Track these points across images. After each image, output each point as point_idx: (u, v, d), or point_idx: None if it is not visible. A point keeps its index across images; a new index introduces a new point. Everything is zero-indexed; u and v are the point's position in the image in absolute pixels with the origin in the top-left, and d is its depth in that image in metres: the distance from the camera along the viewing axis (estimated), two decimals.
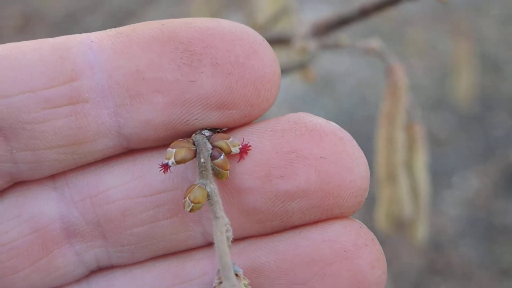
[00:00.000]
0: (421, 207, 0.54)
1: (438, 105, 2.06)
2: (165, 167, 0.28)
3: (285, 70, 0.48)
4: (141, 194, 0.29)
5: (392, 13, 2.14)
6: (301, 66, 0.49)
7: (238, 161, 0.29)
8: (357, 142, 0.29)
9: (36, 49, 0.27)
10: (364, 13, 0.47)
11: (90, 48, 0.28)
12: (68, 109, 0.28)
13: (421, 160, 0.53)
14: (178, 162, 0.28)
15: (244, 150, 0.28)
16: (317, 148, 0.28)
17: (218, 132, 0.29)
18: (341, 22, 0.49)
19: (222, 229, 0.26)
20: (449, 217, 1.77)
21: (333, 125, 0.29)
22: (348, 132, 0.29)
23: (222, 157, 0.28)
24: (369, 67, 2.04)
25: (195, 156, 0.28)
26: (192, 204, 0.27)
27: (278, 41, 0.49)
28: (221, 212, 0.27)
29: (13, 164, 0.28)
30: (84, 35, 0.28)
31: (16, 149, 0.28)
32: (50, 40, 0.28)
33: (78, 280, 0.31)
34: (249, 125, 0.29)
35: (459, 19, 1.79)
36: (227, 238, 0.26)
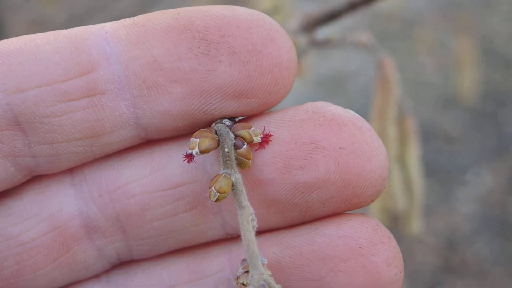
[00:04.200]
0: (415, 201, 0.54)
1: (450, 102, 2.05)
2: (189, 157, 0.28)
3: None
4: (160, 188, 0.29)
5: (400, 13, 2.13)
6: None
7: (256, 150, 0.29)
8: None
9: (51, 41, 0.27)
10: (352, 6, 0.47)
11: (105, 39, 0.27)
12: (85, 102, 0.27)
13: (413, 153, 0.53)
14: (202, 152, 0.28)
15: (266, 139, 0.28)
16: (336, 139, 0.28)
17: (237, 121, 0.29)
18: (330, 16, 0.49)
19: (248, 218, 0.26)
20: (463, 214, 1.75)
21: (351, 114, 0.29)
22: None
23: (245, 146, 0.28)
24: None
25: (218, 146, 0.28)
26: (218, 193, 0.27)
27: None
28: (246, 202, 0.27)
29: (32, 158, 0.28)
30: (98, 25, 0.28)
31: (34, 143, 0.28)
32: (64, 31, 0.28)
33: (98, 275, 0.31)
34: (267, 114, 0.29)
35: (467, 16, 1.78)
36: (253, 227, 0.26)
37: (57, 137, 0.28)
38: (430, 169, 1.81)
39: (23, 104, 0.27)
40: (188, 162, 0.28)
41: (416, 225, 0.55)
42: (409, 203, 0.53)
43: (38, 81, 0.27)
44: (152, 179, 0.29)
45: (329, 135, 0.28)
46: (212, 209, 0.30)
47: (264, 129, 0.29)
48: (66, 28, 0.29)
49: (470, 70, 1.63)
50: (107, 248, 0.30)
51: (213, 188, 0.27)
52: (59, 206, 0.29)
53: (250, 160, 0.28)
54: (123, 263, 0.32)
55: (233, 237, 0.31)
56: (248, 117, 0.29)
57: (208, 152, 0.28)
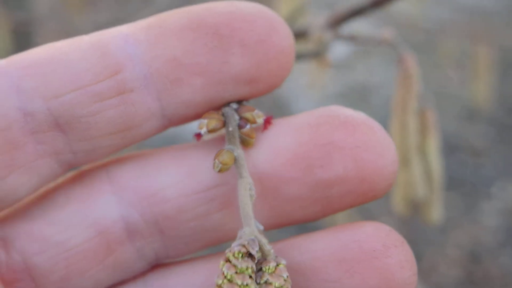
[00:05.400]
0: (435, 189, 0.55)
1: (474, 115, 2.05)
2: (198, 136, 0.31)
3: (302, 56, 0.51)
4: (194, 191, 0.31)
5: (422, 23, 2.13)
6: (316, 54, 0.52)
7: (262, 131, 0.31)
8: None
9: (76, 49, 0.30)
10: (376, 4, 0.50)
11: (126, 41, 0.30)
12: (116, 100, 0.30)
13: (433, 144, 0.55)
14: (210, 131, 0.30)
15: (268, 121, 0.31)
16: (351, 139, 0.30)
17: (244, 104, 0.32)
18: (355, 13, 0.52)
19: (246, 186, 0.29)
20: (488, 227, 1.74)
21: (362, 115, 0.31)
22: None
23: (248, 126, 0.31)
24: None
25: (224, 126, 0.31)
26: (221, 165, 0.30)
27: (296, 35, 0.52)
28: (245, 173, 0.29)
29: (72, 154, 0.31)
30: (116, 29, 0.30)
31: (73, 141, 0.30)
32: (86, 37, 0.30)
33: (136, 280, 0.33)
34: (286, 120, 0.31)
35: (491, 25, 1.78)
36: (250, 196, 0.29)
37: (94, 133, 0.30)
38: (455, 182, 1.80)
39: (62, 107, 0.29)
40: (197, 140, 0.31)
41: (436, 213, 0.57)
42: (429, 191, 0.55)
43: (73, 86, 0.29)
44: (186, 183, 0.31)
45: (345, 136, 0.30)
46: None
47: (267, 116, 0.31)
48: None
49: (490, 81, 1.63)
50: (146, 248, 0.32)
51: (216, 160, 0.30)
52: (103, 213, 0.32)
53: (253, 139, 0.31)
54: (158, 268, 0.34)
55: None
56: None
57: (215, 132, 0.31)
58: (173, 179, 0.31)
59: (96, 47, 0.30)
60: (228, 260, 0.27)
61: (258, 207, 0.31)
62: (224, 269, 0.27)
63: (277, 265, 0.28)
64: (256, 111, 0.31)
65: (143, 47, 0.30)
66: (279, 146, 0.31)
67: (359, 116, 0.31)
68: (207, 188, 0.31)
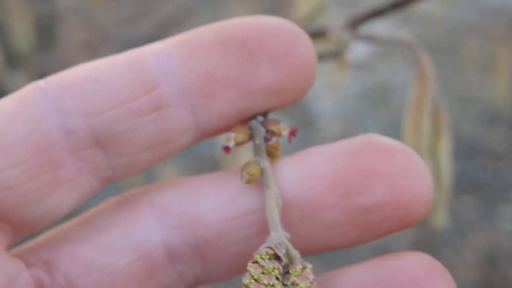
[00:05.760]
0: (443, 192, 0.55)
1: (496, 118, 2.04)
2: (227, 149, 0.32)
3: (321, 57, 0.52)
4: (235, 216, 0.32)
5: (447, 25, 2.12)
6: (335, 54, 0.53)
7: (289, 142, 0.33)
8: None
9: (113, 67, 0.31)
10: (397, 5, 0.51)
11: (160, 58, 0.31)
12: (154, 115, 0.31)
13: (445, 147, 0.55)
14: (237, 144, 0.32)
15: (292, 133, 0.33)
16: (389, 165, 0.31)
17: (268, 118, 0.33)
18: (375, 14, 0.52)
19: (273, 195, 0.30)
20: (506, 232, 1.73)
21: (399, 143, 0.32)
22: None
23: (274, 139, 0.33)
24: None
25: (251, 139, 0.32)
26: (248, 176, 0.31)
27: (314, 35, 0.53)
28: (272, 184, 0.31)
29: (111, 170, 0.32)
30: (148, 47, 0.31)
31: (112, 157, 0.31)
32: (120, 56, 0.31)
33: None
34: (325, 147, 0.32)
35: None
36: (277, 204, 0.30)
37: (133, 149, 0.31)
38: (474, 186, 1.79)
39: (102, 124, 0.30)
40: (226, 153, 0.32)
41: (442, 217, 0.57)
42: (437, 194, 0.55)
43: (112, 103, 0.30)
44: (227, 208, 0.32)
45: (383, 163, 0.31)
46: None
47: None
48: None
49: (511, 84, 1.62)
50: (187, 272, 0.33)
51: (244, 171, 0.31)
52: (145, 237, 0.32)
53: (279, 151, 0.32)
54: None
55: None
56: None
57: (242, 144, 0.32)
58: (214, 204, 0.32)
59: (132, 64, 0.31)
60: (255, 261, 0.28)
61: (296, 233, 0.32)
62: (251, 269, 0.28)
63: (304, 268, 0.29)
64: (281, 124, 0.33)
65: (177, 63, 0.31)
66: (318, 173, 0.32)
67: (396, 143, 0.32)
68: (247, 213, 0.32)
